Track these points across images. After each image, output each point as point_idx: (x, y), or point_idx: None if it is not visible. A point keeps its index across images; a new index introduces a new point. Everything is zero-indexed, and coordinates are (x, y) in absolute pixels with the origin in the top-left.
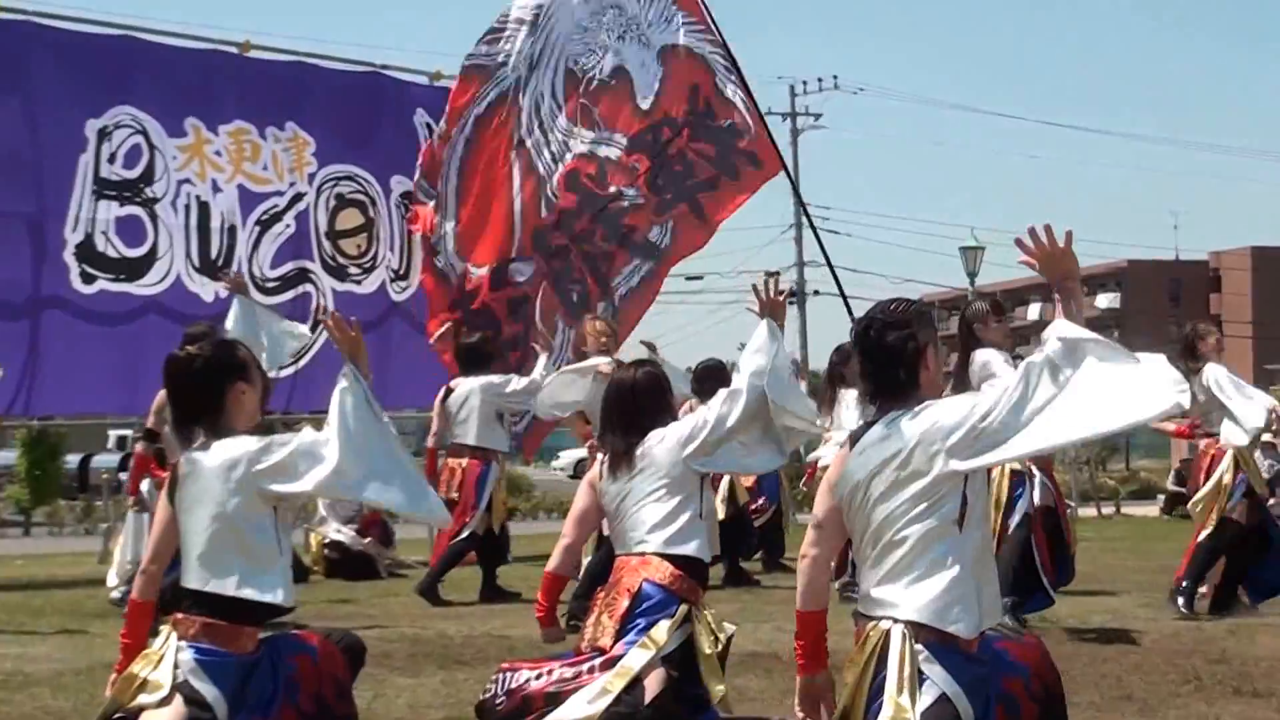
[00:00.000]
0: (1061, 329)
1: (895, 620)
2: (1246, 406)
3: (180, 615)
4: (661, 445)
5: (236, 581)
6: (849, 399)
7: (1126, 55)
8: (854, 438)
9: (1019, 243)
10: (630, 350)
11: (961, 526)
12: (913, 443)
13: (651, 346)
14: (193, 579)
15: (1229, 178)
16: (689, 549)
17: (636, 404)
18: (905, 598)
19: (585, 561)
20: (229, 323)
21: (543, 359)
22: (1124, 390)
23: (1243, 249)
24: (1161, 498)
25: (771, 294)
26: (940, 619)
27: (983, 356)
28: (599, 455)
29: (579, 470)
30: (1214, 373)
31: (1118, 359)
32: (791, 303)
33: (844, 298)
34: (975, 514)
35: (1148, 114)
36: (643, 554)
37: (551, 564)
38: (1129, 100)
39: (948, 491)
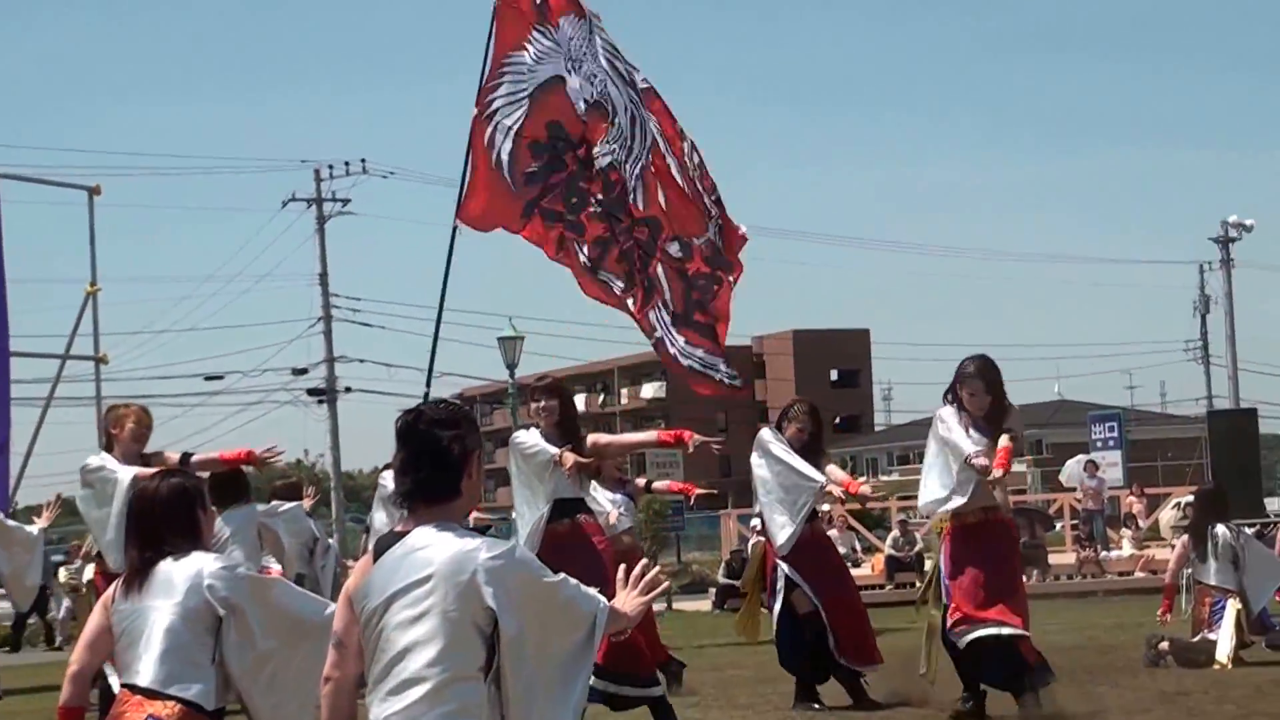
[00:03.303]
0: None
1: None
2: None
3: None
4: (182, 570)
5: None
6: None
7: None
8: (380, 547)
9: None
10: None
11: (486, 676)
12: (444, 568)
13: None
14: None
15: (768, 259)
16: (189, 693)
17: (157, 517)
18: None
19: None
20: None
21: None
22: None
23: (784, 332)
24: (714, 591)
25: None
26: None
27: (518, 437)
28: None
29: None
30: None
31: None
32: (320, 403)
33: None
34: (497, 667)
35: None
36: (148, 689)
37: (64, 697)
38: None
39: (474, 631)
